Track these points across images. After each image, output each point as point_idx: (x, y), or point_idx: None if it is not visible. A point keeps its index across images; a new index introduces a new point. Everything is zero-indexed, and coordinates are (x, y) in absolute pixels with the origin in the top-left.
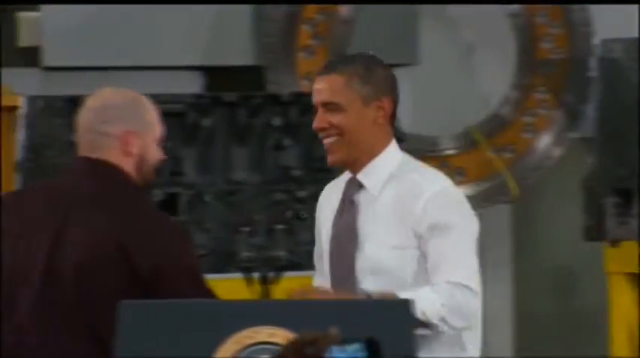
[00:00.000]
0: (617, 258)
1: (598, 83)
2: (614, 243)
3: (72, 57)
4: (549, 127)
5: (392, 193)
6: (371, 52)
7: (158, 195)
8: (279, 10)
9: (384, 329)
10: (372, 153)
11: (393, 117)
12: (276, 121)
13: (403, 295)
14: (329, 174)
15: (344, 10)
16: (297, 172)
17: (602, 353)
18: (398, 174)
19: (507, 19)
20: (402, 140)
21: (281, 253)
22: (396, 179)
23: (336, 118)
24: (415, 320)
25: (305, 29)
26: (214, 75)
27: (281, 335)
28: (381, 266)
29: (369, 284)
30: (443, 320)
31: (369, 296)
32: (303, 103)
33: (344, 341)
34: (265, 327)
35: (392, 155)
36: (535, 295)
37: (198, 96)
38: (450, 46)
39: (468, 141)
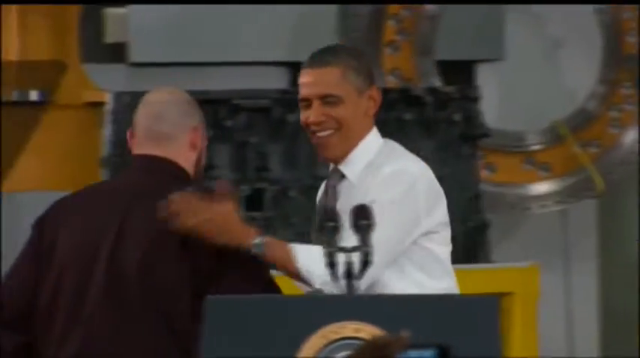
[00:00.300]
0: None
1: None
2: None
3: (158, 53)
4: (635, 122)
5: (369, 178)
6: (345, 44)
7: (244, 190)
8: (364, 7)
9: (469, 328)
10: (356, 144)
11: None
12: None
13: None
14: None
15: (429, 6)
16: None
17: None
18: (375, 162)
19: (593, 15)
20: (489, 135)
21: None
22: (372, 166)
23: (335, 111)
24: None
25: (390, 25)
26: (299, 70)
27: (366, 331)
28: None
29: None
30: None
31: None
32: (389, 99)
33: (415, 345)
34: (351, 322)
35: (371, 144)
36: (620, 290)
37: (284, 91)
38: (536, 41)
39: (554, 136)
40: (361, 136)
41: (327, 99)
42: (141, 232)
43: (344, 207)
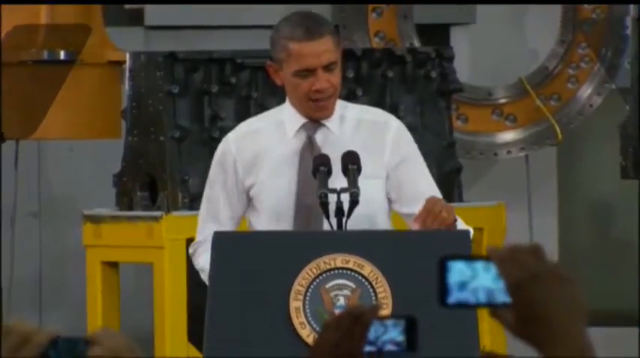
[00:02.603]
0: None
1: (633, 39)
2: None
3: (170, 17)
4: (590, 79)
5: (350, 130)
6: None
7: None
8: None
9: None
10: None
11: None
12: (350, 73)
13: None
14: None
15: None
16: None
17: (633, 278)
18: (348, 116)
19: None
20: (462, 90)
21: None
22: (348, 119)
23: (333, 77)
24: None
25: None
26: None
27: (353, 261)
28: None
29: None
30: None
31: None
32: (374, 59)
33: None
34: (340, 254)
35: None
36: (577, 227)
37: None
38: (503, 7)
39: (519, 91)
40: None
41: (329, 67)
42: None
43: (331, 153)
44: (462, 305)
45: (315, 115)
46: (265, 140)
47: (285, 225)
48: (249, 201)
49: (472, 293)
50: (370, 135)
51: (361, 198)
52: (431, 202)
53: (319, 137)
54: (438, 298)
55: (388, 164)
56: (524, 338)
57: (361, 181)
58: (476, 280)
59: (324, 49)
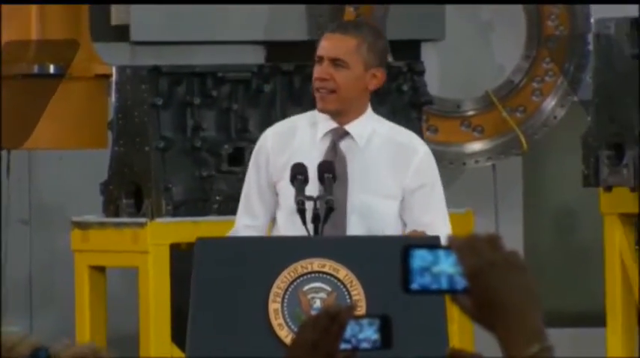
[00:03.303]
0: (610, 201)
1: (594, 55)
2: (608, 188)
3: (155, 33)
4: (554, 92)
5: (378, 147)
6: (375, 24)
7: (227, 149)
8: None
9: None
10: (358, 112)
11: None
12: None
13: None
14: None
15: None
16: None
17: (597, 281)
18: (380, 132)
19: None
20: (432, 103)
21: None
22: (379, 135)
23: (338, 74)
24: None
25: (350, 10)
26: (274, 48)
27: (329, 266)
28: (370, 211)
29: (354, 225)
30: None
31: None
32: None
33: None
34: (317, 259)
35: (373, 115)
36: (542, 232)
37: (260, 66)
38: (471, 24)
39: (486, 104)
40: (359, 106)
41: (336, 62)
42: None
43: (355, 169)
44: (425, 291)
45: (318, 107)
46: (299, 140)
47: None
48: (277, 197)
49: (434, 279)
50: (396, 156)
51: (373, 215)
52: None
53: (343, 145)
54: (401, 284)
55: (407, 187)
56: (480, 322)
57: (376, 199)
58: (437, 266)
59: (337, 45)
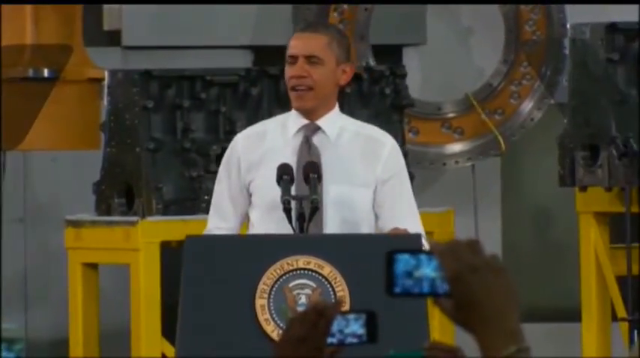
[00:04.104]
0: (585, 201)
1: (570, 59)
2: (583, 188)
3: (146, 38)
4: (531, 95)
5: (348, 140)
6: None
7: (216, 149)
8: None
9: None
10: (328, 107)
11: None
12: None
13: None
14: None
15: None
16: None
17: (572, 277)
18: (347, 127)
19: (498, 8)
20: (413, 105)
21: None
22: (347, 130)
23: (315, 71)
24: None
25: (334, 15)
26: (261, 52)
27: (314, 263)
28: (345, 201)
29: (331, 217)
30: None
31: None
32: None
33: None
34: (302, 256)
35: (339, 112)
36: (519, 230)
37: (248, 69)
38: (451, 29)
39: (466, 106)
40: (330, 101)
41: (311, 59)
42: None
43: (329, 162)
44: (408, 295)
45: (295, 105)
46: (270, 141)
47: (279, 220)
48: (250, 198)
49: (416, 283)
50: (366, 147)
51: (348, 205)
52: (393, 233)
53: (316, 139)
54: (385, 288)
55: (379, 177)
56: (460, 323)
57: (352, 188)
58: (420, 270)
59: (310, 43)
